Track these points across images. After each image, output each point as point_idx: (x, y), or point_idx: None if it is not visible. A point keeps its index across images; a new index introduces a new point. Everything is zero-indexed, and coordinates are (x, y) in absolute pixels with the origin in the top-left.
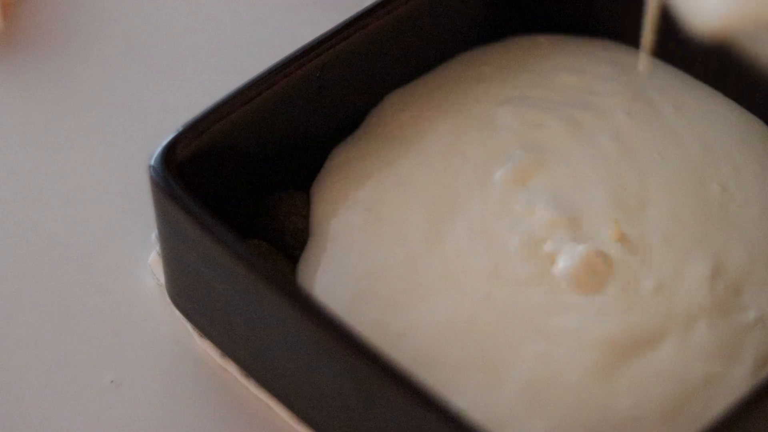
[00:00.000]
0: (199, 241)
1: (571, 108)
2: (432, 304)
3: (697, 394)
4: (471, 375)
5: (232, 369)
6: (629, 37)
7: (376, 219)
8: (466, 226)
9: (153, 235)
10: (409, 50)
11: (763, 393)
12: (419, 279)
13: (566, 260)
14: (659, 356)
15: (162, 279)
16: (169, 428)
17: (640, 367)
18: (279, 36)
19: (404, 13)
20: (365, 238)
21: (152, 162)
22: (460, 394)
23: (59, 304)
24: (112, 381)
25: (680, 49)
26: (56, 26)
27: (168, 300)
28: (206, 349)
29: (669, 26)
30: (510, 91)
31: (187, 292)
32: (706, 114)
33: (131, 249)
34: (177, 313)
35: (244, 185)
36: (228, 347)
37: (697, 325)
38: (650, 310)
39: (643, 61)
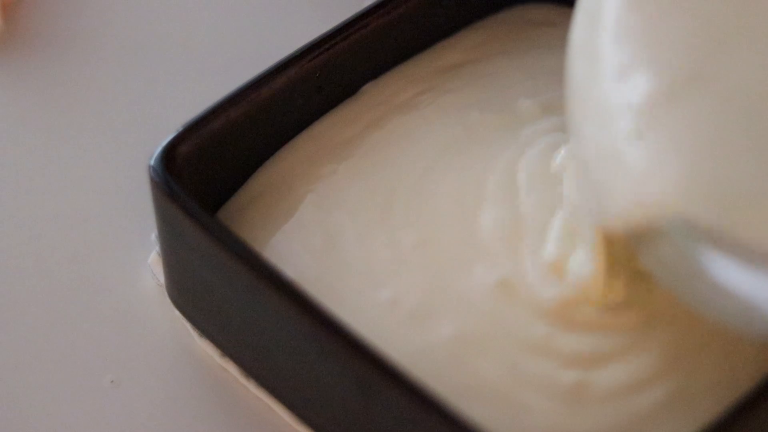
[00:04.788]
0: (199, 241)
1: None
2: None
3: None
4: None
5: (232, 369)
6: None
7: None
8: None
9: (153, 235)
10: (409, 50)
11: (763, 393)
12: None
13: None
14: None
15: (162, 279)
16: (169, 428)
17: None
18: (279, 36)
19: (404, 13)
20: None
21: (152, 162)
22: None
23: (59, 304)
24: (112, 381)
25: None
26: (56, 26)
27: (168, 300)
28: (206, 349)
29: None
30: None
31: (187, 292)
32: None
33: (131, 249)
34: (177, 313)
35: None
36: (228, 347)
37: None
38: None
39: None
